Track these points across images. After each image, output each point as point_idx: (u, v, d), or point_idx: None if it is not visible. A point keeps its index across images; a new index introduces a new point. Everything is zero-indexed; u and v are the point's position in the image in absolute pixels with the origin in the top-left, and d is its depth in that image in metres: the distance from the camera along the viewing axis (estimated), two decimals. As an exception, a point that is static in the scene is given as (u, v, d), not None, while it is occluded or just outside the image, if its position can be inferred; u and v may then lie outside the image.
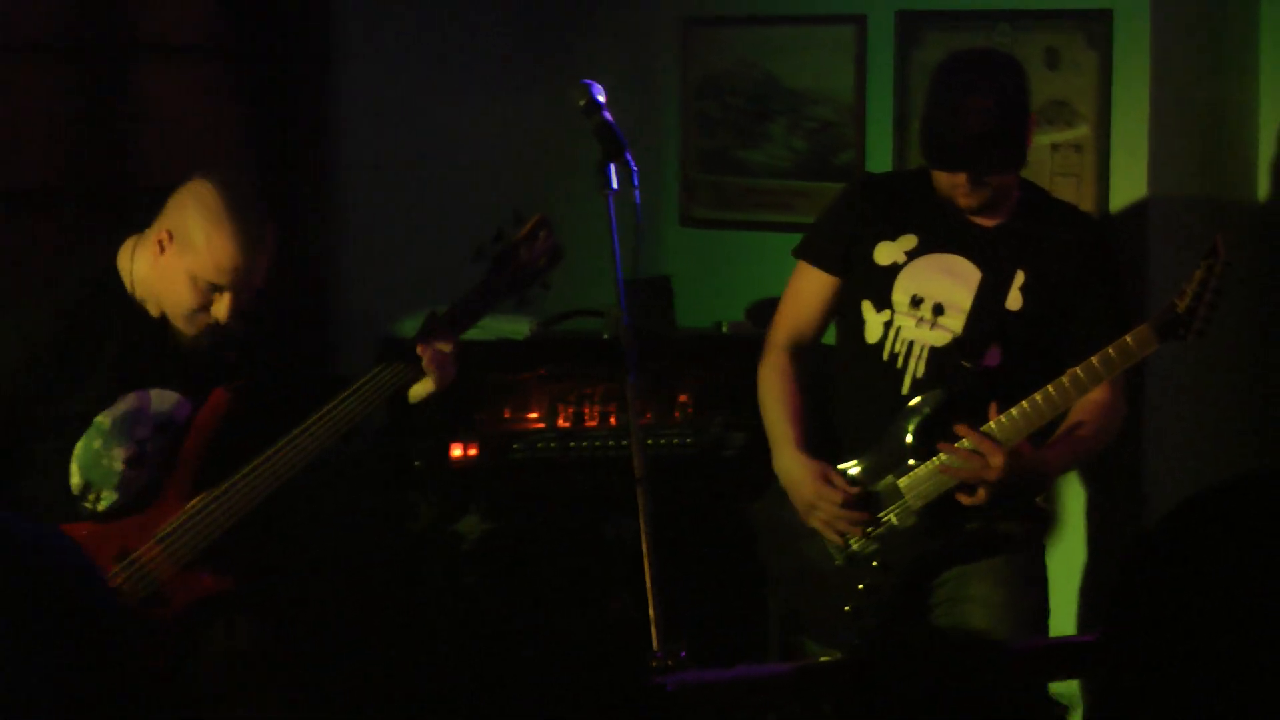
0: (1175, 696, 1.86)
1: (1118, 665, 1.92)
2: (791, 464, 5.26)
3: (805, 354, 5.44)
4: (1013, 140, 5.12)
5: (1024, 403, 4.98)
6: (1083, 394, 4.95)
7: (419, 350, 5.13)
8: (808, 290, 5.39)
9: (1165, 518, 1.93)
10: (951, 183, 5.13)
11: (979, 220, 5.21)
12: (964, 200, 5.15)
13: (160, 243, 4.90)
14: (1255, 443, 6.05)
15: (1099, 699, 1.95)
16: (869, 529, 5.18)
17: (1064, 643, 4.62)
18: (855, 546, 5.21)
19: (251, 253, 4.92)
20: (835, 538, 5.21)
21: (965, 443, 4.99)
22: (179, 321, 4.96)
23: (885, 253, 5.25)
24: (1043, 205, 5.26)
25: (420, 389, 5.13)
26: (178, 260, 4.87)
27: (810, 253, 5.38)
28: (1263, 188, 6.08)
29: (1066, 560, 5.82)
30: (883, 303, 5.24)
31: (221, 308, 4.86)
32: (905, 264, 5.24)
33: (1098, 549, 6.00)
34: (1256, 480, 1.94)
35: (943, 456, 5.12)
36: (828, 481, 5.19)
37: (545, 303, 5.97)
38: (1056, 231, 5.22)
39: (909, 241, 5.24)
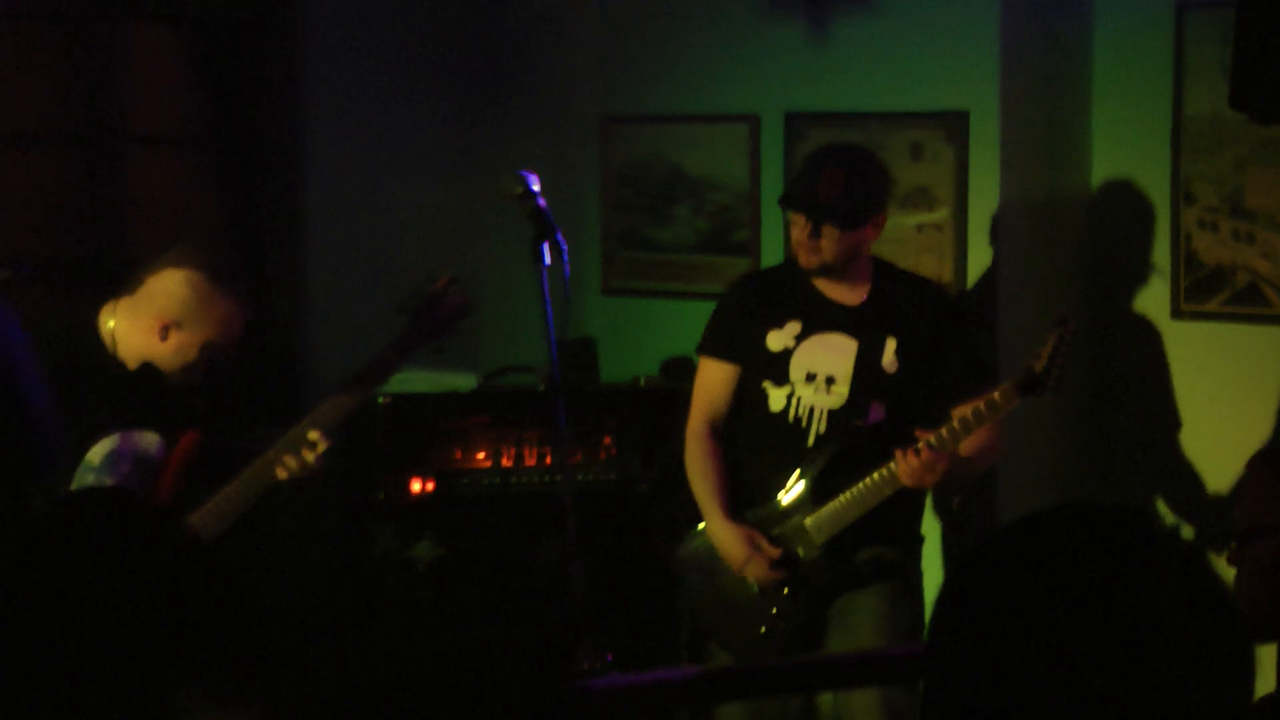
0: (989, 697, 1.87)
1: (938, 670, 1.94)
2: (722, 531, 5.51)
3: (719, 432, 5.68)
4: (853, 207, 5.39)
5: (942, 430, 5.21)
6: (969, 435, 5.20)
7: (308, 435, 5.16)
8: (713, 379, 5.68)
9: (982, 542, 1.97)
10: (797, 239, 5.43)
11: (845, 301, 5.52)
12: (805, 258, 5.45)
13: (164, 328, 5.11)
14: (1091, 478, 6.36)
15: (927, 701, 1.96)
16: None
17: (911, 650, 4.95)
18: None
19: (240, 308, 5.19)
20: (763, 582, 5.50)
21: (922, 448, 5.18)
22: (174, 373, 5.18)
23: (776, 340, 5.56)
24: (897, 278, 5.58)
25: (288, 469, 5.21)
26: (189, 338, 5.12)
27: (711, 348, 5.68)
28: (1096, 262, 6.39)
29: (935, 581, 5.94)
30: (782, 379, 5.53)
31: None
32: (795, 347, 5.54)
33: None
34: (1061, 513, 1.96)
35: (843, 497, 5.39)
36: (755, 545, 5.46)
37: (486, 360, 6.50)
38: (913, 300, 5.54)
39: (795, 327, 5.54)
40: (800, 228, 5.43)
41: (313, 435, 5.16)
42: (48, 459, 4.61)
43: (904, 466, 5.23)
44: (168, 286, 5.15)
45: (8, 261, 4.45)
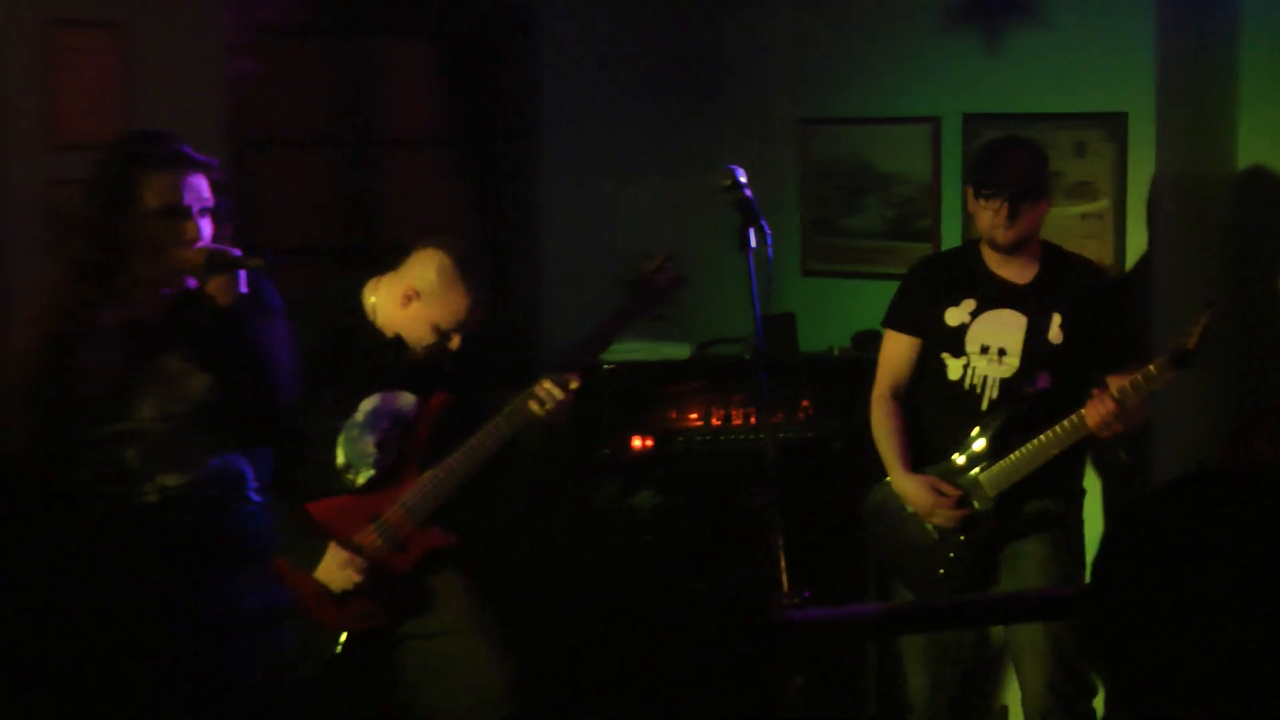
0: (1148, 631, 1.88)
1: (1099, 611, 1.94)
2: (905, 482, 5.66)
3: (901, 396, 5.78)
4: (1037, 183, 5.51)
5: (1126, 383, 5.26)
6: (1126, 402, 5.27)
7: (544, 383, 5.39)
8: (897, 350, 5.80)
9: (1145, 497, 1.98)
10: (993, 221, 5.52)
11: (1016, 280, 5.61)
12: (1002, 235, 5.51)
13: (407, 297, 5.31)
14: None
15: (1087, 636, 1.97)
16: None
17: (1072, 591, 4.78)
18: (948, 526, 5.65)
19: (474, 305, 5.34)
20: (947, 525, 5.61)
21: (1117, 393, 5.28)
22: (415, 347, 5.38)
23: (953, 315, 5.67)
24: (1063, 260, 5.66)
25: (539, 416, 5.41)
26: (423, 311, 5.32)
27: (895, 323, 5.81)
28: (1242, 246, 6.35)
29: (1094, 531, 5.97)
30: (959, 351, 5.65)
31: (454, 342, 5.34)
32: (970, 323, 5.65)
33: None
34: (1215, 474, 1.98)
35: (1015, 455, 5.49)
36: (938, 491, 5.61)
37: (699, 332, 6.62)
38: (1077, 280, 5.62)
39: (969, 305, 5.65)
40: (994, 211, 5.50)
41: (565, 375, 5.38)
42: (286, 415, 4.64)
43: (1096, 411, 5.31)
44: (421, 261, 5.35)
45: (261, 250, 4.46)
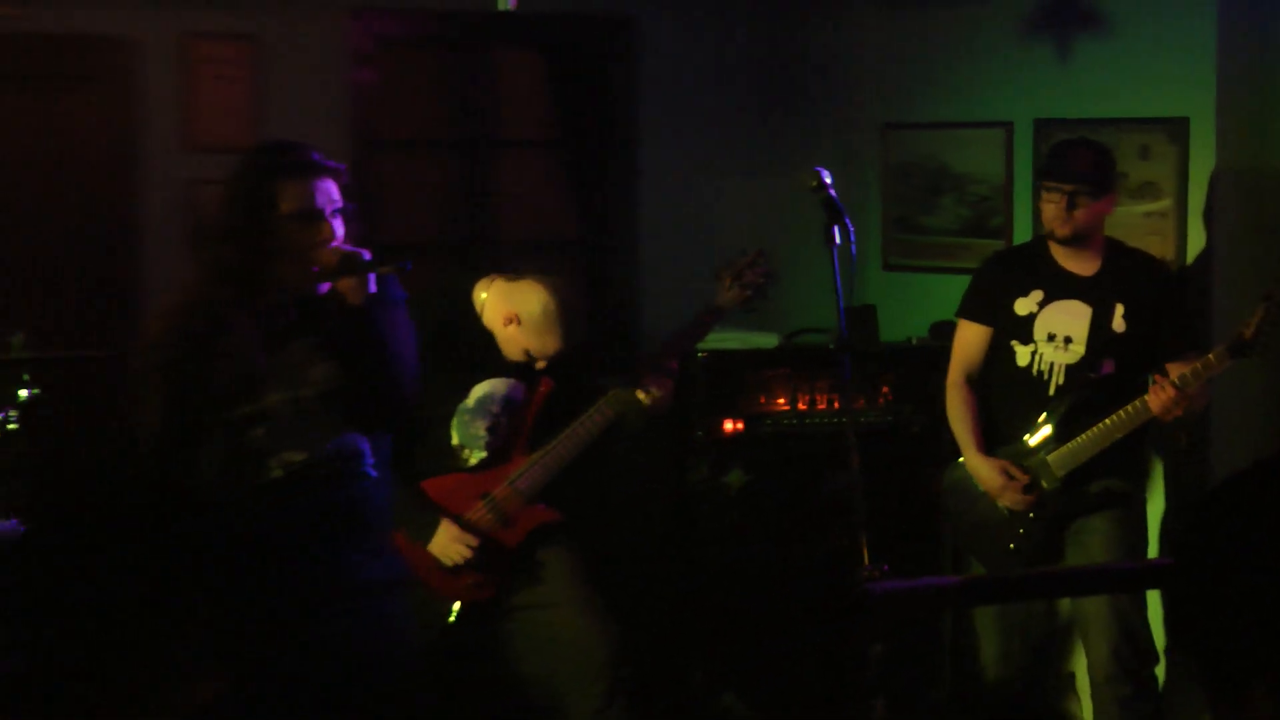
0: (1232, 609, 1.85)
1: (1186, 584, 1.92)
2: (978, 463, 5.72)
3: (974, 382, 5.83)
4: (1102, 178, 5.55)
5: (1186, 371, 5.30)
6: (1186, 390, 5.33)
7: (644, 375, 5.49)
8: (970, 339, 5.87)
9: (1232, 476, 1.94)
10: (1054, 212, 5.55)
11: (1081, 272, 5.65)
12: (1061, 226, 5.54)
13: (509, 319, 5.38)
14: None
15: (1172, 610, 1.95)
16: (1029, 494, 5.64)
17: (1150, 565, 4.97)
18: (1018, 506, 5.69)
19: (566, 346, 5.39)
20: (1016, 508, 5.66)
21: (1178, 380, 5.32)
22: (507, 357, 5.45)
23: (1023, 305, 5.73)
24: (1126, 254, 5.71)
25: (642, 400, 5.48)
26: (520, 337, 5.40)
27: (968, 313, 5.88)
28: None
29: (1155, 510, 6.08)
30: (1027, 339, 5.71)
31: (539, 364, 5.45)
32: (1038, 312, 5.70)
33: (1172, 504, 6.17)
34: None
35: (1081, 438, 5.53)
36: (1008, 474, 5.66)
37: (786, 323, 6.68)
38: (1140, 273, 5.67)
39: (1038, 295, 5.71)
40: (1055, 202, 5.54)
41: (667, 364, 5.48)
42: (409, 403, 4.61)
43: (1159, 398, 5.34)
44: (531, 291, 5.39)
45: (392, 260, 4.41)
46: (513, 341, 5.40)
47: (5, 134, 6.51)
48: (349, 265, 4.39)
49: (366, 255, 4.42)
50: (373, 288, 4.43)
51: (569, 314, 5.39)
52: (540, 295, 5.38)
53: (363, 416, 4.52)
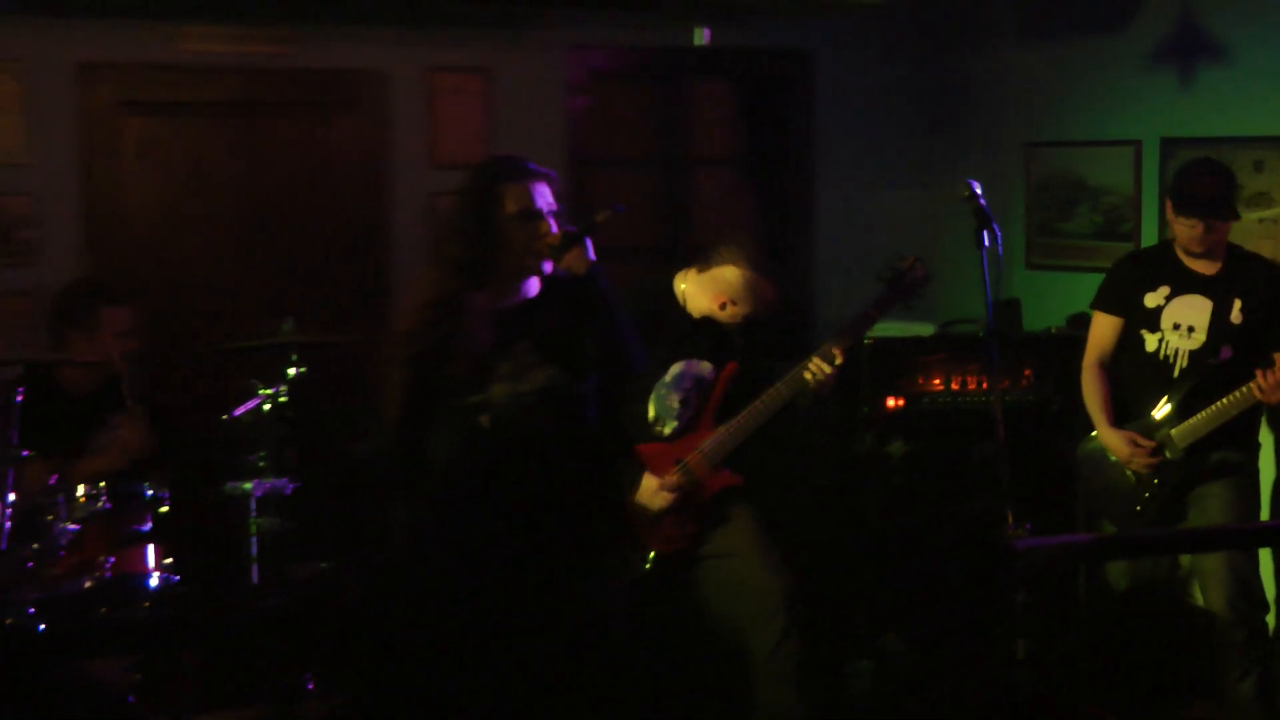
0: None
1: None
2: (1109, 436, 5.87)
3: (1106, 366, 5.96)
4: (1228, 202, 5.70)
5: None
6: None
7: (814, 360, 5.48)
8: (1104, 328, 6.01)
9: None
10: (1190, 234, 5.68)
11: (1204, 271, 5.80)
12: (1197, 246, 5.68)
13: (723, 304, 5.56)
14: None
15: None
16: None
17: (1262, 526, 5.60)
18: (1144, 473, 5.86)
19: (776, 290, 5.60)
20: (1142, 471, 5.79)
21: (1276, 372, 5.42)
22: (724, 320, 5.52)
23: (1151, 299, 5.88)
24: (1243, 256, 5.87)
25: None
26: (739, 311, 5.58)
27: (1103, 305, 6.02)
28: None
29: (1268, 477, 6.25)
30: (1155, 328, 5.85)
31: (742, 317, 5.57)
32: (1165, 305, 5.85)
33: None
34: None
35: (1201, 414, 5.66)
36: (1136, 444, 5.83)
37: (941, 313, 6.93)
38: (1255, 272, 5.83)
39: (1164, 290, 5.86)
40: (1192, 227, 5.69)
41: (833, 351, 5.49)
42: (636, 367, 4.72)
43: (1266, 383, 5.51)
44: (729, 275, 5.55)
45: (608, 205, 4.53)
46: (736, 318, 5.54)
47: (277, 153, 6.84)
48: (569, 239, 4.57)
49: (572, 230, 4.65)
50: (591, 255, 4.61)
51: (760, 268, 5.48)
52: (735, 272, 5.50)
53: (601, 383, 4.65)
